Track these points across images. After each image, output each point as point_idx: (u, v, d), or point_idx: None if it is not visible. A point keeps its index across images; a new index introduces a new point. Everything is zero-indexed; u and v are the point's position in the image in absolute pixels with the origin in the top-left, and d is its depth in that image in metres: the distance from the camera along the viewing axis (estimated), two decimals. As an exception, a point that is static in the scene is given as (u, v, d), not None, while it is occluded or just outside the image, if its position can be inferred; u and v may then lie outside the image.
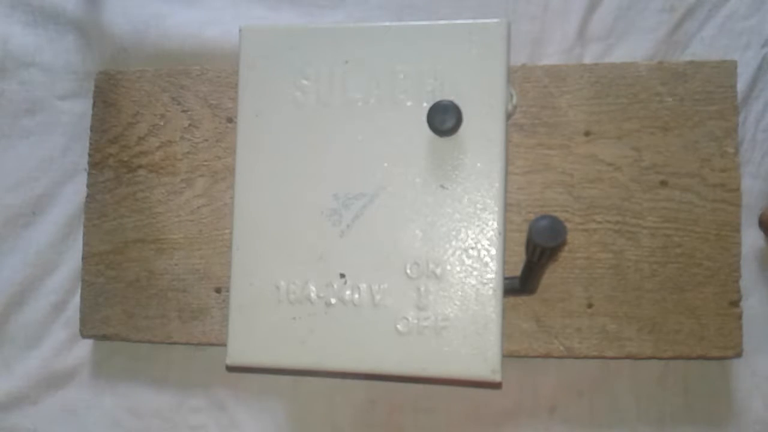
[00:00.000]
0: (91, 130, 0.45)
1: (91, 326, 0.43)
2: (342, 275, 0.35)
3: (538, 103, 0.41)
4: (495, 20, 0.35)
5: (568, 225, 0.36)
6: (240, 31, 0.37)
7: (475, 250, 0.34)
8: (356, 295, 0.35)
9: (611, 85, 0.41)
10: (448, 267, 0.34)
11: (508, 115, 0.35)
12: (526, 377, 0.41)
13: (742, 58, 0.42)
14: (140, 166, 0.44)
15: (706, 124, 0.40)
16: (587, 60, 0.44)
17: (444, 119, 0.33)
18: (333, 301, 0.35)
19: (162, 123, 0.44)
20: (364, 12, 0.45)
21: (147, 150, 0.44)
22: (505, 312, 0.37)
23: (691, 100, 0.40)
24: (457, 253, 0.34)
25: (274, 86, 0.37)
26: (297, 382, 0.43)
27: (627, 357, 0.39)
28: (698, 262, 0.39)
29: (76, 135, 0.46)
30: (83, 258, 0.44)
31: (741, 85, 0.41)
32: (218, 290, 0.42)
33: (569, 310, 0.39)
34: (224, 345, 0.37)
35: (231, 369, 0.38)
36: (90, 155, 0.44)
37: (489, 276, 0.34)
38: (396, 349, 0.35)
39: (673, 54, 0.43)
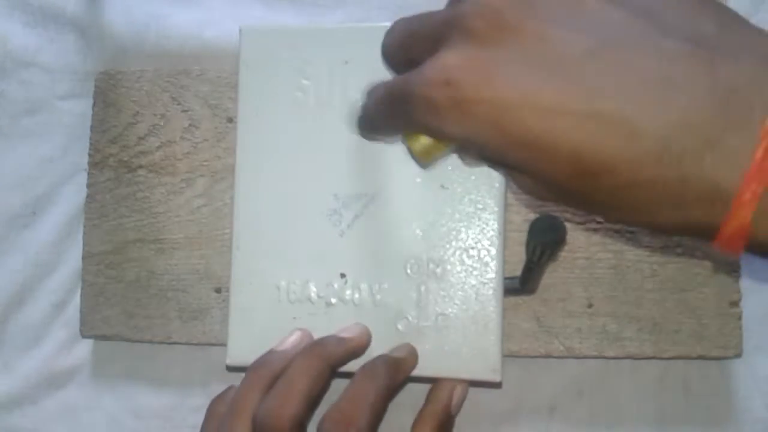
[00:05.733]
0: (91, 130, 0.45)
1: (91, 326, 0.43)
2: (342, 275, 0.35)
3: (538, 103, 0.41)
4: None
5: (568, 225, 0.36)
6: (240, 31, 0.37)
7: (475, 250, 0.34)
8: (356, 295, 0.35)
9: (611, 85, 0.41)
10: (449, 267, 0.34)
11: None
12: (526, 377, 0.41)
13: (742, 58, 0.42)
14: (140, 166, 0.44)
15: (706, 124, 0.40)
16: (587, 60, 0.44)
17: None
18: (333, 300, 0.35)
19: (162, 123, 0.44)
20: (364, 12, 0.45)
21: (147, 150, 0.44)
22: (505, 312, 0.37)
23: (691, 100, 0.40)
24: (458, 253, 0.34)
25: (274, 86, 0.37)
26: (297, 382, 0.43)
27: (627, 357, 0.39)
28: (698, 262, 0.39)
29: (76, 135, 0.46)
30: (83, 258, 0.44)
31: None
32: (218, 290, 0.42)
33: (569, 310, 0.40)
34: (224, 345, 0.38)
35: (231, 369, 0.38)
36: (90, 155, 0.44)
37: (489, 276, 0.34)
38: (396, 349, 0.35)
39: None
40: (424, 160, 0.27)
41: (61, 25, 0.47)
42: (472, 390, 0.41)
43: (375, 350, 0.35)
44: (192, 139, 0.43)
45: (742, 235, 0.21)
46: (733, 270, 0.39)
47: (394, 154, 0.35)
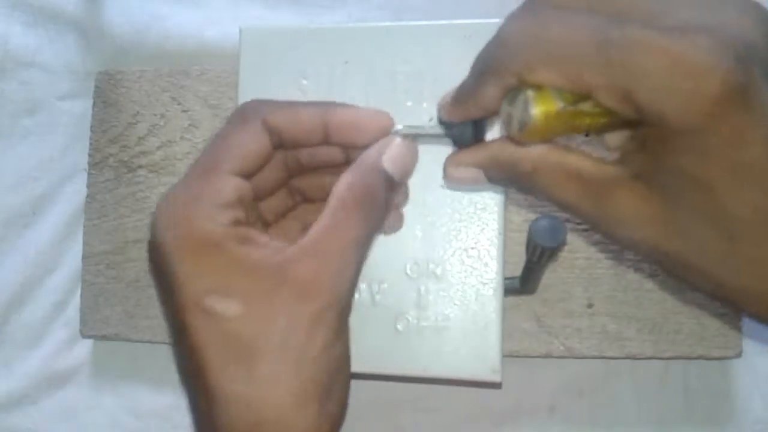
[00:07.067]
0: (91, 130, 0.45)
1: (91, 326, 0.43)
2: (342, 275, 0.35)
3: (538, 103, 0.41)
4: (495, 20, 0.35)
5: (568, 225, 0.36)
6: (240, 31, 0.37)
7: (475, 250, 0.34)
8: (356, 295, 0.35)
9: (611, 85, 0.40)
10: (448, 267, 0.34)
11: None
12: (526, 377, 0.41)
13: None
14: (140, 166, 0.44)
15: (706, 124, 0.40)
16: (587, 60, 0.44)
17: None
18: (333, 301, 0.35)
19: (162, 123, 0.44)
20: (364, 12, 0.45)
21: (147, 150, 0.44)
22: (506, 312, 0.37)
23: (691, 100, 0.40)
24: (457, 253, 0.34)
25: (274, 86, 0.37)
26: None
27: (627, 357, 0.39)
28: (698, 262, 0.39)
29: (76, 135, 0.46)
30: (83, 258, 0.44)
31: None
32: (218, 290, 0.42)
33: (569, 310, 0.39)
34: (224, 345, 0.37)
35: (231, 369, 0.38)
36: (90, 155, 0.44)
37: (489, 276, 0.34)
38: (396, 349, 0.35)
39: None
40: (536, 132, 0.21)
41: (61, 25, 0.47)
42: (472, 390, 0.41)
43: (374, 350, 0.35)
44: (192, 139, 0.43)
45: None
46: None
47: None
